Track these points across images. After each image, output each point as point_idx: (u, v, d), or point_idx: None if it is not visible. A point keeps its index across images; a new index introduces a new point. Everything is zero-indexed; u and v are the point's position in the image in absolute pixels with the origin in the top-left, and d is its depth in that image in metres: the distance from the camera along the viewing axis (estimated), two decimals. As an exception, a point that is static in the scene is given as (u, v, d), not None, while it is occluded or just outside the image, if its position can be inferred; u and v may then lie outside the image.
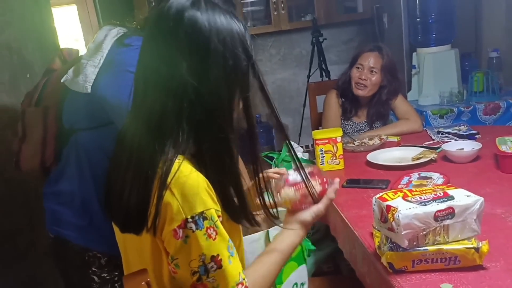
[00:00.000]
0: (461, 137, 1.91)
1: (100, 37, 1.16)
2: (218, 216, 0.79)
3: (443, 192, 1.02)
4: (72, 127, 1.24)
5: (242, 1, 4.21)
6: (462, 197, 0.99)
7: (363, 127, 2.33)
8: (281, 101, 4.69)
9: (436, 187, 1.07)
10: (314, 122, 2.69)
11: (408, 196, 1.02)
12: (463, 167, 1.61)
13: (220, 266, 0.77)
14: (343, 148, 1.82)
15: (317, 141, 1.76)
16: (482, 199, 0.99)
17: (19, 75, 1.90)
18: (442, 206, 0.97)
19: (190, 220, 0.75)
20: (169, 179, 0.75)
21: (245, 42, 0.82)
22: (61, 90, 1.23)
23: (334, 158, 1.76)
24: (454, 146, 1.69)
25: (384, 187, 1.49)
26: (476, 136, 1.90)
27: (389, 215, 0.98)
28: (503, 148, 1.50)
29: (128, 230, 0.80)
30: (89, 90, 1.12)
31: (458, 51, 2.90)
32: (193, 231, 0.75)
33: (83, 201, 1.22)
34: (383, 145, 1.97)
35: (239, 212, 0.86)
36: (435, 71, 2.84)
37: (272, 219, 0.92)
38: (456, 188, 1.05)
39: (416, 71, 2.96)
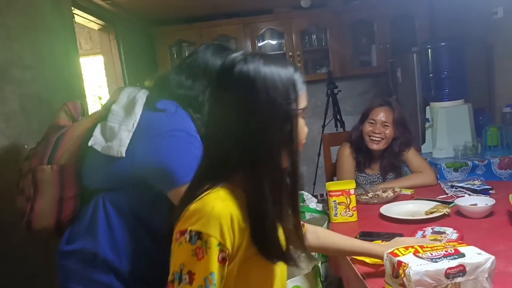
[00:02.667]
0: (475, 192, 1.92)
1: (124, 99, 1.21)
2: (221, 251, 0.83)
3: (454, 249, 1.04)
4: (96, 187, 1.25)
5: (259, 54, 4.37)
6: (473, 255, 1.01)
7: (376, 179, 2.36)
8: (296, 150, 4.75)
9: (447, 244, 1.08)
10: (328, 172, 2.73)
11: (419, 252, 1.04)
12: (476, 223, 1.61)
13: (191, 283, 0.82)
14: (357, 200, 1.84)
15: (331, 193, 1.78)
16: (493, 257, 1.00)
17: (46, 124, 1.99)
18: (453, 263, 0.98)
19: (187, 231, 0.83)
20: (199, 197, 0.87)
21: (295, 89, 0.91)
22: (80, 150, 1.25)
23: (348, 210, 1.78)
24: (467, 201, 1.70)
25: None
26: (490, 191, 1.90)
27: (400, 271, 0.99)
28: (517, 204, 1.51)
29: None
30: (124, 155, 1.15)
31: (472, 105, 2.95)
32: (186, 241, 0.83)
33: (105, 258, 1.22)
34: (397, 198, 1.99)
35: (274, 249, 0.91)
36: (449, 125, 2.87)
37: (311, 259, 0.99)
38: (468, 245, 1.06)
39: (430, 124, 3.00)
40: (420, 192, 2.07)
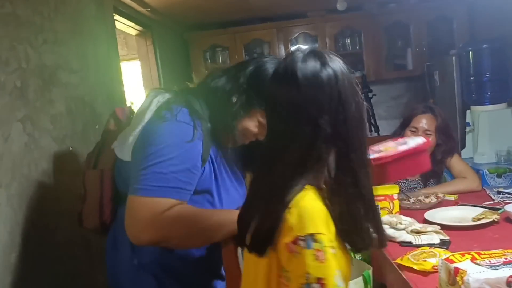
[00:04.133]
0: (525, 198, 1.85)
1: (146, 104, 1.21)
2: (332, 247, 0.82)
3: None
4: (125, 190, 1.26)
5: (293, 58, 4.37)
6: (535, 263, 0.97)
7: (416, 185, 2.30)
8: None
9: (505, 251, 1.05)
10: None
11: (476, 259, 1.01)
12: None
13: None
14: (399, 206, 1.80)
15: (373, 198, 1.75)
16: (558, 265, 0.96)
17: (89, 126, 2.05)
18: (514, 271, 0.94)
19: (301, 238, 0.81)
20: (292, 201, 0.84)
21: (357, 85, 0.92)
22: (114, 154, 1.28)
23: (391, 215, 1.74)
24: (517, 208, 1.64)
25: (445, 247, 1.45)
26: (540, 198, 1.83)
27: (458, 278, 0.96)
28: None
29: (257, 250, 0.88)
30: (130, 159, 1.17)
31: None
32: (302, 248, 0.80)
33: (139, 261, 1.23)
34: (440, 203, 1.93)
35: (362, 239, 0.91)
36: (491, 129, 2.79)
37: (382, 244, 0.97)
38: (528, 252, 1.02)
39: (471, 129, 2.93)
40: (464, 198, 2.01)
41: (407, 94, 4.67)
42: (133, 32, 3.37)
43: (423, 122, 2.23)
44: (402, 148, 1.59)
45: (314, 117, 0.86)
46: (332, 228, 0.86)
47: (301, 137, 0.87)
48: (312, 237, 0.81)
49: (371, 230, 0.91)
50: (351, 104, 0.88)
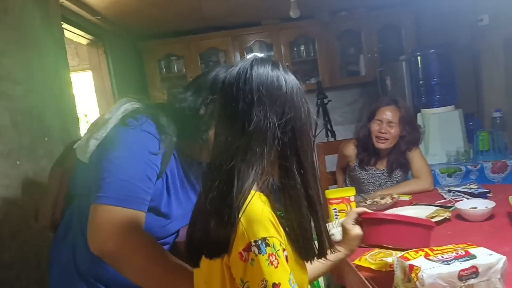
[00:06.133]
0: (473, 195, 1.92)
1: (114, 110, 1.19)
2: (284, 249, 0.82)
3: (464, 251, 1.03)
4: (76, 191, 1.26)
5: (248, 66, 4.39)
6: (484, 256, 0.99)
7: (380, 175, 2.34)
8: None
9: (456, 246, 1.07)
10: (324, 181, 2.71)
11: (429, 255, 1.03)
12: (477, 226, 1.61)
13: None
14: (356, 207, 1.83)
15: (331, 201, 1.77)
16: (505, 257, 0.99)
17: (38, 139, 1.96)
18: (466, 265, 0.97)
19: (253, 244, 0.80)
20: (242, 208, 0.82)
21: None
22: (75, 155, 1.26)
23: (348, 217, 1.76)
24: (467, 205, 1.70)
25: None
26: (488, 194, 1.91)
27: (413, 275, 0.97)
28: (518, 206, 1.51)
29: (212, 257, 0.85)
30: (86, 160, 1.15)
31: (462, 111, 2.98)
32: (256, 255, 0.79)
33: (76, 267, 1.19)
34: (395, 204, 1.98)
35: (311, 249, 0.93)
36: (441, 131, 2.90)
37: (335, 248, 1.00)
38: (477, 246, 1.05)
39: (422, 131, 3.02)
40: (418, 198, 2.06)
41: (361, 99, 4.80)
42: (84, 42, 3.27)
43: (387, 113, 2.28)
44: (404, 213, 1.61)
45: (263, 123, 0.85)
46: (282, 231, 0.86)
47: (248, 144, 0.86)
48: (264, 241, 0.80)
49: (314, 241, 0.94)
50: (300, 112, 0.89)
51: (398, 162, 2.31)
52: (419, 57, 3.03)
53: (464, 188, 2.03)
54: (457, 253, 1.02)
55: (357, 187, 2.36)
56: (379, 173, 2.35)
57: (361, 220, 1.20)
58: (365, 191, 2.33)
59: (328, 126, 4.18)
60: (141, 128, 1.09)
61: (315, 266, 1.07)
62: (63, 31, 2.51)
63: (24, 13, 2.05)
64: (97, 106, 3.55)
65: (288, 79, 0.90)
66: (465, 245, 1.10)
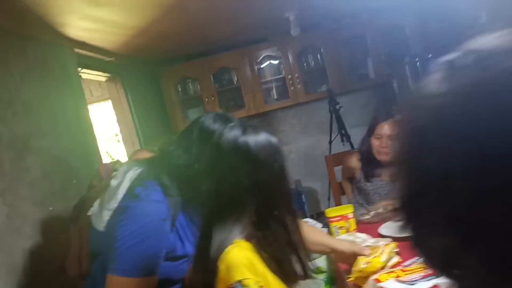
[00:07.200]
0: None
1: (119, 176, 1.34)
2: (260, 286, 0.98)
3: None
4: (97, 249, 1.40)
5: (261, 80, 4.56)
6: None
7: (384, 186, 2.46)
8: (308, 167, 4.90)
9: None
10: (336, 191, 2.85)
11: (400, 276, 1.18)
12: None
13: None
14: (359, 220, 1.97)
15: (331, 219, 1.92)
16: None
17: (67, 182, 2.20)
18: (429, 284, 1.11)
19: (231, 286, 0.95)
20: (221, 257, 0.99)
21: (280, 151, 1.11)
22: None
23: (348, 233, 1.91)
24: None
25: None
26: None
27: (383, 296, 1.13)
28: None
29: None
30: (102, 229, 1.30)
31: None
32: None
33: None
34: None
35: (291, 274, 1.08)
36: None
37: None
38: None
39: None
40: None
41: (374, 101, 4.87)
42: (103, 79, 3.53)
43: (385, 128, 2.39)
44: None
45: (235, 186, 1.03)
46: (261, 269, 1.02)
47: (224, 207, 1.04)
48: (240, 283, 0.96)
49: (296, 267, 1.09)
50: (271, 168, 1.05)
51: None
52: (417, 62, 3.13)
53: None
54: (425, 273, 1.16)
55: (364, 198, 2.50)
56: (384, 184, 2.47)
57: None
58: (372, 201, 2.46)
59: (342, 131, 4.28)
60: (150, 199, 1.24)
61: None
62: (80, 78, 2.75)
63: (44, 68, 2.29)
64: (120, 133, 3.81)
65: (257, 141, 1.06)
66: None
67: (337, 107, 4.26)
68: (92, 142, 2.62)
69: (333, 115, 4.28)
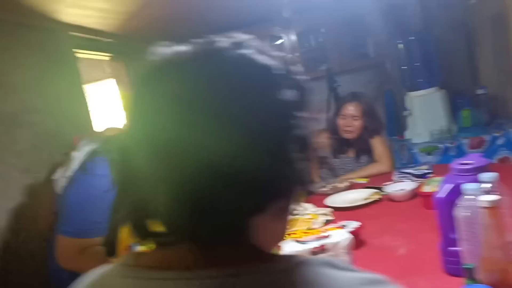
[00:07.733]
0: (417, 176, 2.16)
1: (79, 150, 1.58)
2: None
3: (328, 233, 1.35)
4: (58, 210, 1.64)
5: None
6: (336, 236, 1.31)
7: (349, 162, 2.64)
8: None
9: (330, 229, 1.39)
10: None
11: (300, 238, 1.36)
12: (402, 205, 1.88)
13: None
14: (317, 192, 2.17)
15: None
16: (351, 237, 1.30)
17: (56, 153, 2.44)
18: (317, 244, 1.29)
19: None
20: None
21: None
22: None
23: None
24: (395, 187, 1.96)
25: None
26: (428, 175, 2.13)
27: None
28: (426, 188, 1.76)
29: None
30: (60, 193, 1.57)
31: (452, 90, 3.13)
32: None
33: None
34: (351, 187, 2.27)
35: None
36: (424, 112, 3.08)
37: None
38: (339, 229, 1.36)
39: (408, 113, 3.21)
40: (374, 181, 2.33)
41: (376, 79, 4.92)
42: (106, 58, 3.76)
43: (350, 109, 2.57)
44: None
45: None
46: None
47: None
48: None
49: None
50: None
51: (363, 149, 2.58)
52: (401, 45, 3.21)
53: (415, 170, 2.26)
54: (319, 235, 1.34)
55: (332, 173, 2.67)
56: (349, 160, 2.64)
57: None
58: (339, 176, 2.62)
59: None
60: (94, 173, 1.46)
61: None
62: (76, 59, 2.98)
63: (38, 52, 2.52)
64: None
65: None
66: (334, 227, 1.42)
67: (335, 85, 4.36)
68: (84, 118, 2.86)
69: (332, 94, 4.39)
